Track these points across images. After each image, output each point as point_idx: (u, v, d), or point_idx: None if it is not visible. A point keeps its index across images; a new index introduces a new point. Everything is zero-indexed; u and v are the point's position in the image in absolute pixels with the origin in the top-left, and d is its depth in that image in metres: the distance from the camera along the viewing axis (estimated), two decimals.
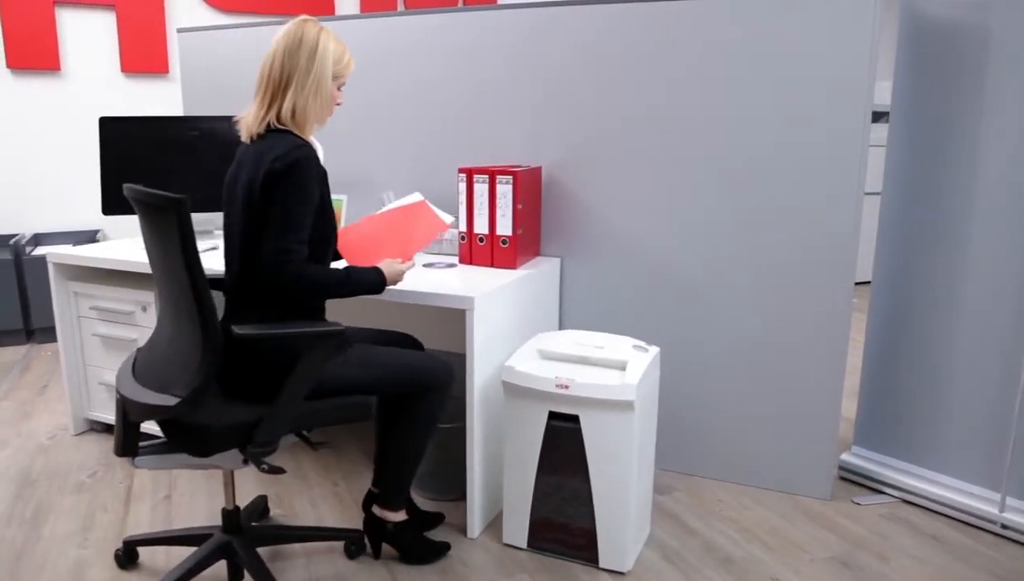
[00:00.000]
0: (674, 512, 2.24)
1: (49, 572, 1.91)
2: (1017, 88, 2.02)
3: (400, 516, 1.96)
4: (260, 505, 2.18)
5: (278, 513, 2.22)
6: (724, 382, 2.39)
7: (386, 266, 1.84)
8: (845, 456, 2.46)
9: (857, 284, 5.08)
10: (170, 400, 1.55)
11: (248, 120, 1.78)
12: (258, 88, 1.78)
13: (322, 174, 1.75)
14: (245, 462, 1.70)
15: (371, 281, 1.80)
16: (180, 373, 1.59)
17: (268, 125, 1.75)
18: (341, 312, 2.80)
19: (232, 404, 1.69)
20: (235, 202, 1.76)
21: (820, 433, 2.29)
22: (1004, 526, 2.10)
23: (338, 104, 1.85)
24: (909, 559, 2.00)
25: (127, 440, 1.68)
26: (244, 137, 1.80)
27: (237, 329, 1.61)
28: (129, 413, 1.64)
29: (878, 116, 3.31)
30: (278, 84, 1.74)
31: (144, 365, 1.74)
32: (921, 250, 2.26)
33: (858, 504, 2.29)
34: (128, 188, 1.60)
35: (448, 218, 2.02)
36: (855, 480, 2.42)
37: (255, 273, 1.73)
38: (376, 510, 1.96)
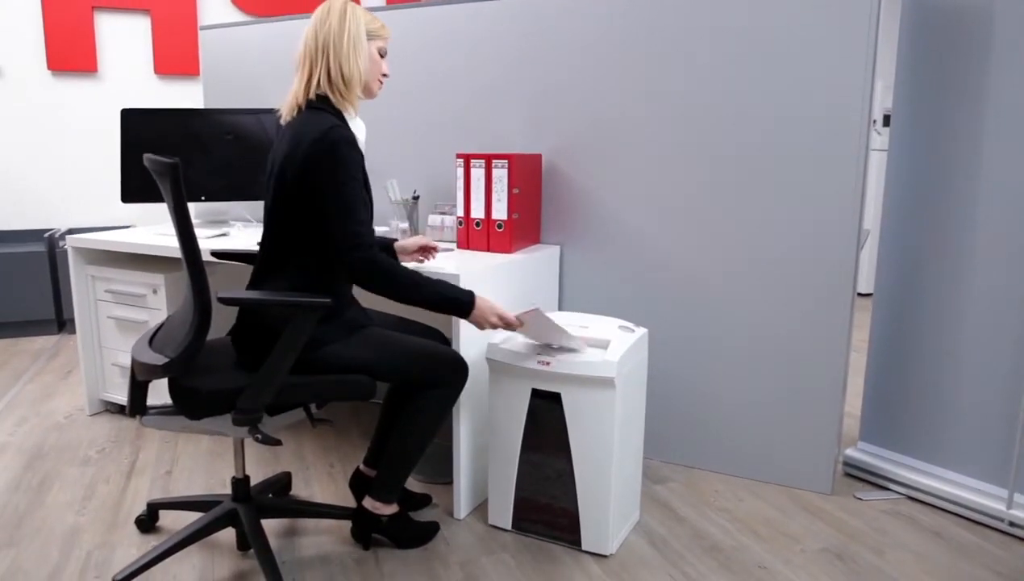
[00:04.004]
0: (667, 501, 2.20)
1: (45, 535, 1.97)
2: (1021, 86, 1.96)
3: (392, 509, 1.91)
4: (283, 480, 2.20)
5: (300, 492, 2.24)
6: (725, 373, 2.35)
7: (480, 299, 1.73)
8: (850, 451, 2.38)
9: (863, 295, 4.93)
10: (160, 359, 1.61)
11: (288, 99, 1.79)
12: (297, 67, 1.79)
13: (361, 154, 1.74)
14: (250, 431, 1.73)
15: (454, 298, 1.69)
16: (176, 335, 1.65)
17: (309, 100, 1.75)
18: (367, 297, 2.83)
19: (229, 371, 1.74)
20: (271, 178, 1.79)
21: (821, 426, 2.23)
22: (1012, 524, 2.01)
23: (385, 75, 1.83)
24: (907, 553, 1.92)
25: (134, 400, 1.75)
26: (284, 116, 1.80)
27: (221, 294, 1.66)
28: (135, 372, 1.70)
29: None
30: (315, 53, 1.75)
31: (163, 330, 1.82)
32: (928, 244, 2.20)
33: (860, 499, 2.22)
34: (145, 158, 1.67)
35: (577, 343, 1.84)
36: (860, 476, 2.35)
37: (279, 248, 1.77)
38: (368, 503, 1.89)
